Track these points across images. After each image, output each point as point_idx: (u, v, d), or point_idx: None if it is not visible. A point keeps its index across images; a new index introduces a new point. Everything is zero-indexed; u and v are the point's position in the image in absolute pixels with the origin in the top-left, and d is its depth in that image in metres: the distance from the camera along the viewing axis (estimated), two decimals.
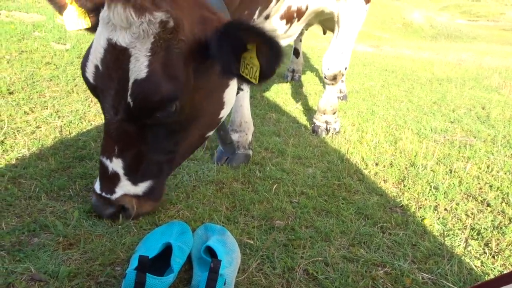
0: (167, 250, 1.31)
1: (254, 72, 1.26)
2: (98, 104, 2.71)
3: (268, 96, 3.74)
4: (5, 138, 2.11)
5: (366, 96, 4.09)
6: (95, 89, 1.32)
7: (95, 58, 1.26)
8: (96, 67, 1.27)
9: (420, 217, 1.79)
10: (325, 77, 2.75)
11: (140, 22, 1.17)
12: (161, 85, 1.21)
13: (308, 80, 4.77)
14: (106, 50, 1.23)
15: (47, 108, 2.57)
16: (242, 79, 1.30)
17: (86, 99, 2.85)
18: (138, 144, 1.38)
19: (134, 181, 1.43)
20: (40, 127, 2.31)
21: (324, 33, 4.24)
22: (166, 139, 1.41)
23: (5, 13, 4.64)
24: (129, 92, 1.23)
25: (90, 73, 1.28)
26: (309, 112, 3.37)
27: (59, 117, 2.49)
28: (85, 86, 3.05)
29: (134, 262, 1.20)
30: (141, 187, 1.45)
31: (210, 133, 1.60)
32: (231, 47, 1.23)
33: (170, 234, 1.38)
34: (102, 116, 1.62)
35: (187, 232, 1.43)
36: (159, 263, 1.27)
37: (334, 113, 2.89)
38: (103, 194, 1.44)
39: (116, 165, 1.39)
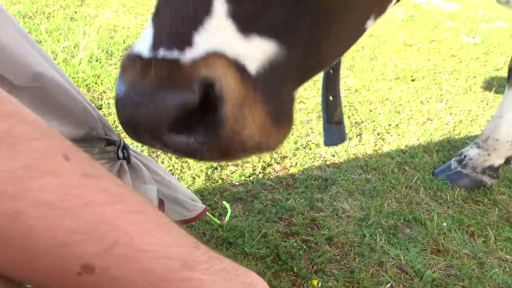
0: None
1: None
2: (493, 109, 2.52)
3: None
4: (400, 123, 2.31)
5: None
6: None
7: None
8: None
9: None
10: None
11: None
12: None
13: None
14: None
15: (441, 102, 2.61)
16: None
17: (482, 101, 2.69)
18: None
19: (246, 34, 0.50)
20: (431, 120, 2.38)
21: None
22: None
23: (426, 1, 4.93)
24: None
25: None
26: None
27: (450, 113, 2.48)
28: (481, 84, 2.90)
29: None
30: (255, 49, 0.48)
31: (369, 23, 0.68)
32: None
33: None
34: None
35: None
36: None
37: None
38: (161, 52, 0.46)
39: None
